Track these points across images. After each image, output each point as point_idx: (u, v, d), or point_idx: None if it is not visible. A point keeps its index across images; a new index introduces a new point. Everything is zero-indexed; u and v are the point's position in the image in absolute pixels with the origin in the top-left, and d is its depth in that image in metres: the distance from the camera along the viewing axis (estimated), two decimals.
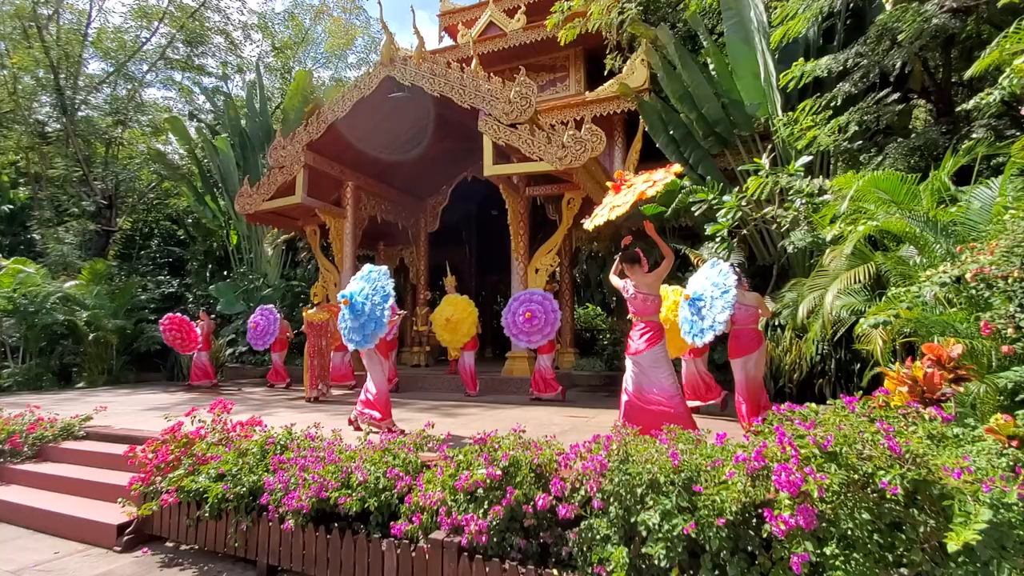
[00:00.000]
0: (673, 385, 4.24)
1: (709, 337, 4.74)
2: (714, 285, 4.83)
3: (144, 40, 19.67)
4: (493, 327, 18.41)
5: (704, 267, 5.19)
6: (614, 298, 11.21)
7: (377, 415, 5.03)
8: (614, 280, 4.81)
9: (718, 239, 7.55)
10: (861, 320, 4.45)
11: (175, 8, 19.59)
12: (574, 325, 11.25)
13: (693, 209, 8.01)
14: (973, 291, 3.39)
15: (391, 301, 4.88)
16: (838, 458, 2.29)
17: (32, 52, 16.86)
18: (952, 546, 1.96)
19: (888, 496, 2.17)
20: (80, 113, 17.85)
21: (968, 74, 5.32)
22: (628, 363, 4.39)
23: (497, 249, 12.43)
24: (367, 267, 5.32)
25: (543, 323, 7.29)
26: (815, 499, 2.22)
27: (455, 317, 7.91)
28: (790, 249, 7.08)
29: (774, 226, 7.40)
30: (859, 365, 6.25)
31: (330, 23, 26.68)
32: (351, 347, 5.11)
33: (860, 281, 5.19)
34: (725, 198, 7.34)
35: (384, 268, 5.16)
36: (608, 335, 10.30)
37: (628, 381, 4.33)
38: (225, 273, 16.06)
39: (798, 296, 6.30)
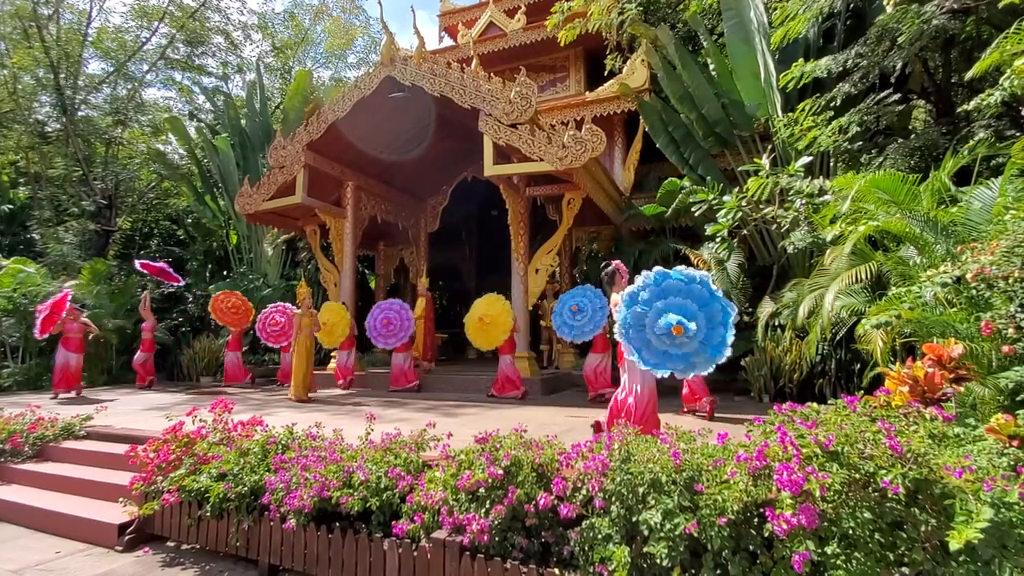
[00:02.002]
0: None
1: (588, 337, 7.27)
2: (591, 301, 7.22)
3: (144, 40, 19.67)
4: None
5: (577, 289, 7.52)
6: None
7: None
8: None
9: (718, 239, 7.56)
10: (863, 320, 4.46)
11: (175, 8, 19.58)
12: None
13: (693, 209, 8.02)
14: (974, 291, 3.40)
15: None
16: (840, 457, 2.30)
17: (32, 52, 16.84)
18: (954, 545, 1.97)
19: (889, 495, 2.18)
20: (80, 113, 17.83)
21: (969, 75, 5.33)
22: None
23: (497, 249, 12.43)
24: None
25: (398, 328, 8.83)
26: (817, 498, 2.23)
27: (330, 321, 9.29)
28: (790, 249, 7.09)
29: (774, 226, 7.42)
30: (859, 365, 6.27)
31: (330, 23, 26.69)
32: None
33: (860, 281, 5.20)
34: (725, 198, 7.35)
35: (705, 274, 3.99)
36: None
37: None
38: (225, 273, 16.04)
39: (798, 296, 6.31)
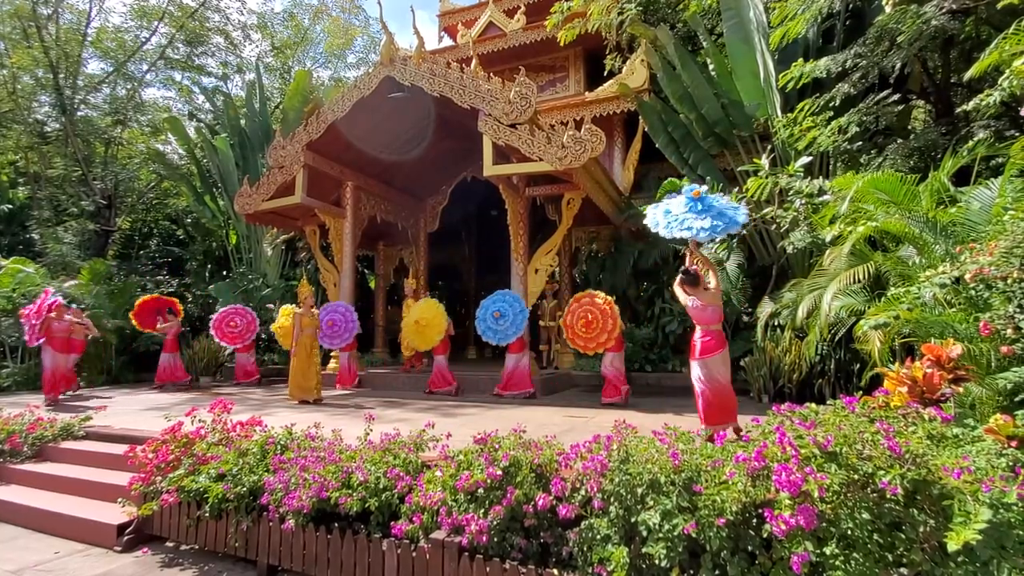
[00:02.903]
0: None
1: (510, 340, 7.84)
2: (511, 306, 7.85)
3: (144, 40, 19.67)
4: None
5: (497, 294, 8.06)
6: (613, 297, 11.20)
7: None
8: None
9: (718, 239, 7.56)
10: (861, 321, 4.46)
11: (175, 8, 19.58)
12: None
13: None
14: (972, 292, 3.40)
15: None
16: (838, 458, 2.30)
17: (31, 52, 16.84)
18: (952, 545, 1.97)
19: (888, 496, 2.18)
20: (79, 113, 17.82)
21: (968, 75, 5.33)
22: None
23: (497, 249, 12.41)
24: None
25: (342, 329, 9.32)
26: (815, 499, 2.23)
27: (285, 325, 9.74)
28: (790, 249, 7.09)
29: (773, 227, 7.41)
30: (859, 365, 6.27)
31: (329, 23, 26.68)
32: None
33: (859, 281, 5.20)
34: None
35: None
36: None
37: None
38: (224, 273, 16.03)
39: (797, 297, 6.31)
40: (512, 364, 8.03)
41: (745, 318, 8.51)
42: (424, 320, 8.51)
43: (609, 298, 7.25)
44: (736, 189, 7.59)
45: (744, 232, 8.09)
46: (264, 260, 15.09)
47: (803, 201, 6.68)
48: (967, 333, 3.41)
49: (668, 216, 4.54)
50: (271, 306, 11.62)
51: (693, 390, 4.49)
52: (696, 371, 4.38)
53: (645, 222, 4.75)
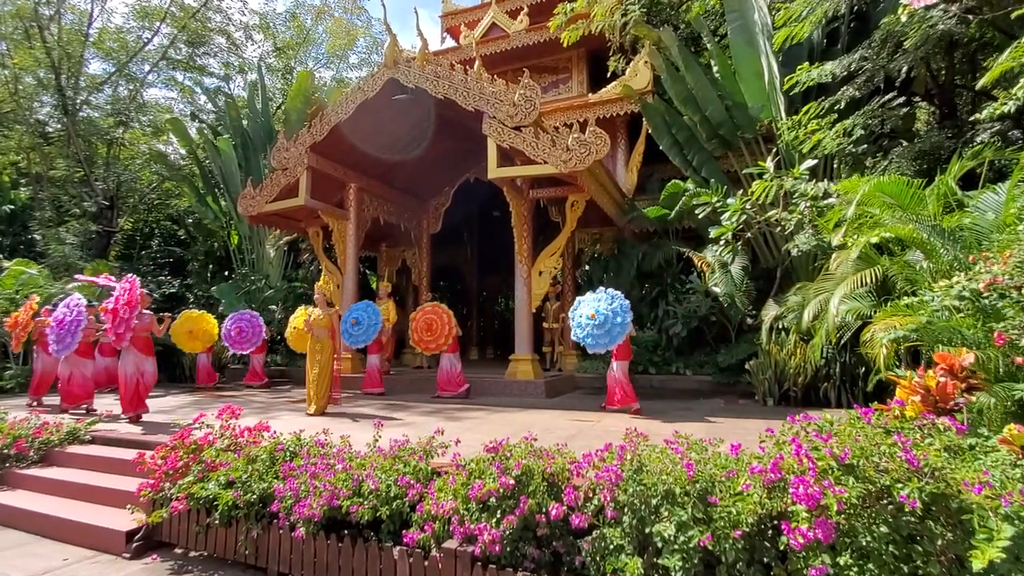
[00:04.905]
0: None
1: (361, 344, 8.63)
2: (368, 317, 8.56)
3: (146, 40, 19.65)
4: (494, 328, 18.42)
5: (362, 304, 8.77)
6: None
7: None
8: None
9: (722, 242, 7.55)
10: (868, 327, 4.46)
11: (177, 8, 19.56)
12: None
13: (697, 212, 8.02)
14: (985, 301, 3.39)
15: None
16: (856, 471, 2.30)
17: (33, 52, 16.81)
18: (977, 564, 1.96)
19: (906, 509, 2.18)
20: (81, 113, 17.80)
21: (980, 84, 5.33)
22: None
23: (498, 250, 12.42)
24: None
25: (251, 334, 10.30)
26: (833, 512, 2.22)
27: (197, 328, 10.38)
28: (794, 252, 7.08)
29: (778, 229, 7.41)
30: (864, 369, 6.27)
31: (331, 23, 26.63)
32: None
33: (865, 285, 5.20)
34: (729, 201, 7.35)
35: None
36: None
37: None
38: (226, 274, 16.02)
39: (803, 300, 6.31)
40: (373, 363, 8.96)
41: (749, 320, 8.51)
42: (302, 326, 8.71)
43: (443, 305, 8.59)
44: (740, 191, 7.58)
45: (749, 235, 8.08)
46: (266, 261, 15.09)
47: (808, 204, 6.67)
48: (975, 339, 3.41)
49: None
50: (274, 307, 11.61)
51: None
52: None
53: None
